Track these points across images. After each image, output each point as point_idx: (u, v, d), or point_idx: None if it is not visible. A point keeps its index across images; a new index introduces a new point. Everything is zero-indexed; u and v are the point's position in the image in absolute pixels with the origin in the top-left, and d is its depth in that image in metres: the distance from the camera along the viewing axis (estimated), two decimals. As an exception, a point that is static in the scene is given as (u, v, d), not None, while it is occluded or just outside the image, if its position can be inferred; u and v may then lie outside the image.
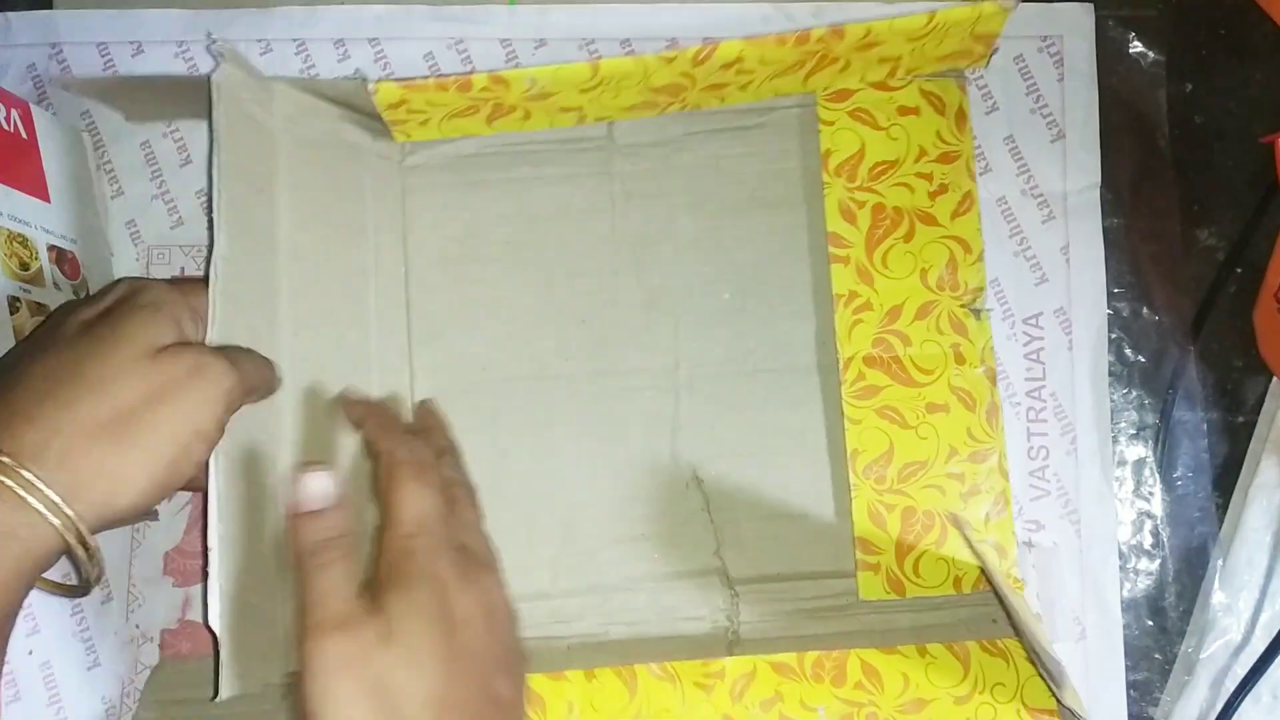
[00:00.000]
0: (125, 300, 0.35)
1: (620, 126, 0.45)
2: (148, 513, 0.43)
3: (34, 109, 0.43)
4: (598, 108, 0.44)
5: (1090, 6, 0.47)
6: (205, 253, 0.46)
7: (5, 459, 0.30)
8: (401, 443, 0.37)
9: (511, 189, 0.45)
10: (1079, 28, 0.46)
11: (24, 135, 0.43)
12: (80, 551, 0.31)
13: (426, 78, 0.40)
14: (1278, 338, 0.43)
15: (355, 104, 0.42)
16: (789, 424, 0.44)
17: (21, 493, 0.30)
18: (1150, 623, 0.44)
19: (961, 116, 0.45)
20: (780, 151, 0.46)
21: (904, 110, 0.45)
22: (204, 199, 0.47)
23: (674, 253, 0.45)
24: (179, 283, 0.37)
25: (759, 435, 0.44)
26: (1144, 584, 0.44)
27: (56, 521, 0.30)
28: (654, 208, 0.45)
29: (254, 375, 0.36)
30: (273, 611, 0.39)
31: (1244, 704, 0.41)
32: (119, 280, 0.37)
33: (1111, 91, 0.46)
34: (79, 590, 0.35)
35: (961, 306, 0.44)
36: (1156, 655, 0.44)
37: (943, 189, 0.44)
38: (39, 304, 0.40)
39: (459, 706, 0.31)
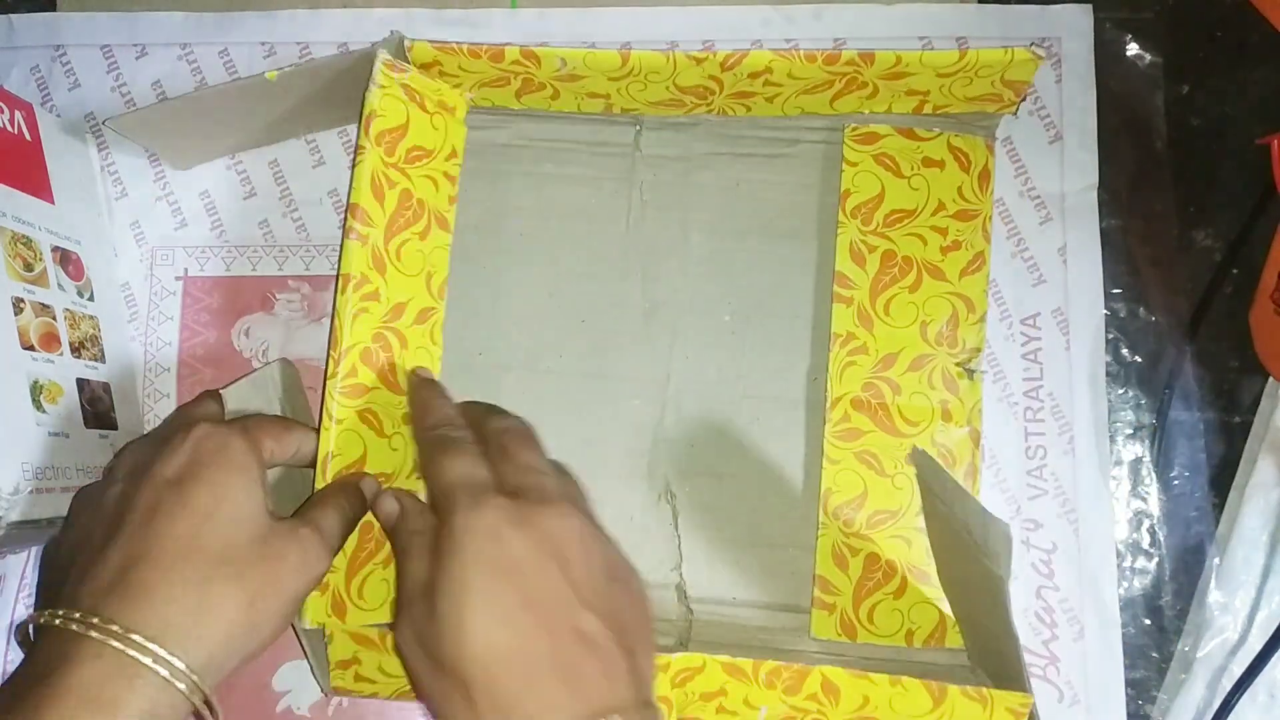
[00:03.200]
0: (200, 453, 0.35)
1: (647, 138, 0.46)
2: None
3: (38, 110, 0.44)
4: (625, 99, 0.44)
5: (1088, 8, 0.47)
6: (208, 254, 0.47)
7: (154, 646, 0.31)
8: (431, 419, 0.39)
9: (533, 184, 0.46)
10: (1077, 29, 0.47)
11: (28, 137, 0.43)
12: (208, 715, 0.33)
13: (460, 43, 0.41)
14: (1273, 338, 0.43)
15: None
16: (768, 453, 0.44)
17: (166, 676, 0.31)
18: (1148, 621, 0.44)
19: (985, 177, 0.44)
20: (801, 185, 0.45)
21: (929, 162, 0.44)
22: (206, 199, 0.47)
23: (682, 268, 0.45)
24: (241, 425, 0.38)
25: (737, 460, 0.44)
26: (1141, 583, 0.45)
27: (196, 699, 0.32)
28: (669, 221, 0.45)
29: (345, 532, 0.38)
30: None
31: (1241, 702, 0.41)
32: (174, 416, 0.39)
33: (1109, 93, 0.47)
34: None
35: (956, 365, 0.43)
36: (1154, 654, 0.44)
37: (955, 245, 0.44)
38: (43, 305, 0.41)
39: (533, 656, 0.31)
